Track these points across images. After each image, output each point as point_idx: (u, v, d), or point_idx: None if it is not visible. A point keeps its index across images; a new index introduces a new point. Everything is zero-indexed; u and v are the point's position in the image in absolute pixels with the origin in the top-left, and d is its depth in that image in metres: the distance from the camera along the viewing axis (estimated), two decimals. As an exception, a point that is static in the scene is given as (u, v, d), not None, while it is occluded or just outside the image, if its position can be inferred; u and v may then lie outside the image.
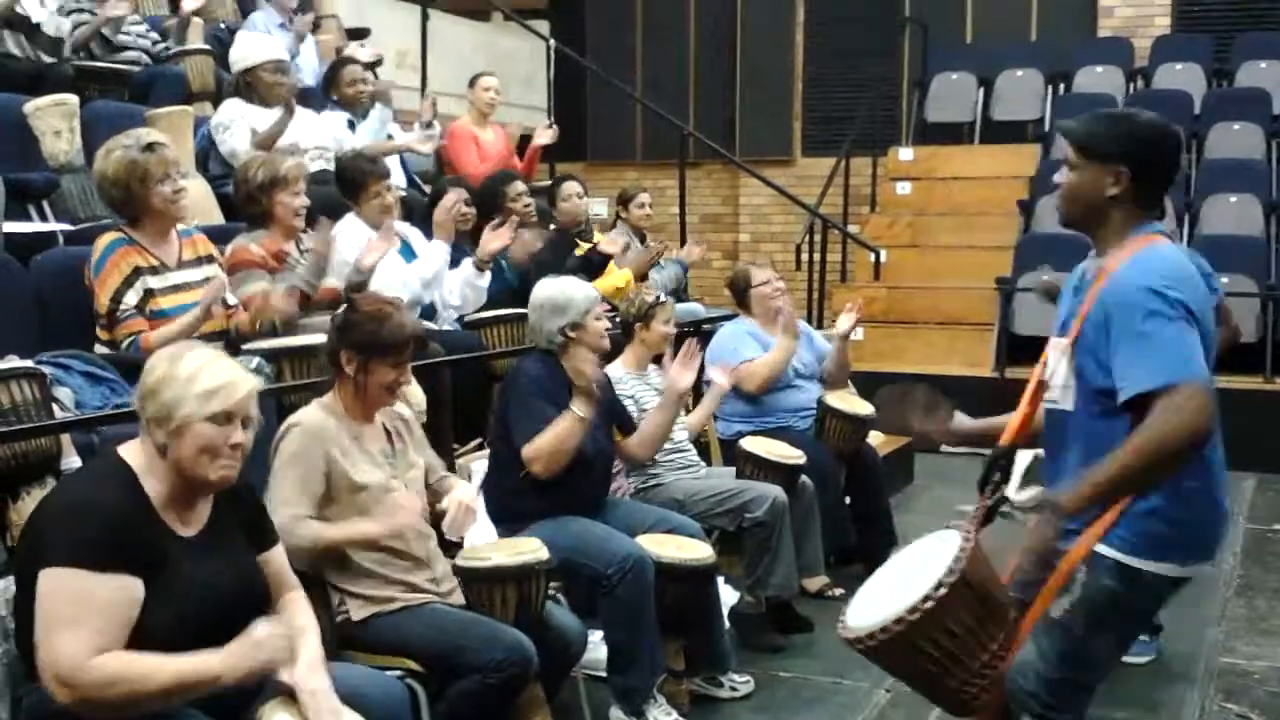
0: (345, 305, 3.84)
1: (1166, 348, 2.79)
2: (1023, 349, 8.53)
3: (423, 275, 5.59)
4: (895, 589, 2.98)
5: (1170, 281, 2.84)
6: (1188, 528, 2.93)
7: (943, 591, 2.84)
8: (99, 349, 4.38)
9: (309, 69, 8.07)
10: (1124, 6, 11.81)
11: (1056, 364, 3.03)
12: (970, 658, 2.93)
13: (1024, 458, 3.17)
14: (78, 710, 2.56)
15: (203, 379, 2.75)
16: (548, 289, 4.66)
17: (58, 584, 2.58)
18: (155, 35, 7.24)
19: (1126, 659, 4.54)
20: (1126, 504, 2.87)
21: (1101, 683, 3.08)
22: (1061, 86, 11.51)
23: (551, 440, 4.25)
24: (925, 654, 2.93)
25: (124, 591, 2.63)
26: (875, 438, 6.50)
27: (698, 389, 5.79)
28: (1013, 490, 3.07)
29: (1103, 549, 2.90)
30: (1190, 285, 2.89)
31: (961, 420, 3.39)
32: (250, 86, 6.58)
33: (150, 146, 4.44)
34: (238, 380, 2.80)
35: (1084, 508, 2.83)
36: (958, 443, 3.45)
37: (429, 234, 5.98)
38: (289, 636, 2.84)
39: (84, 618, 2.56)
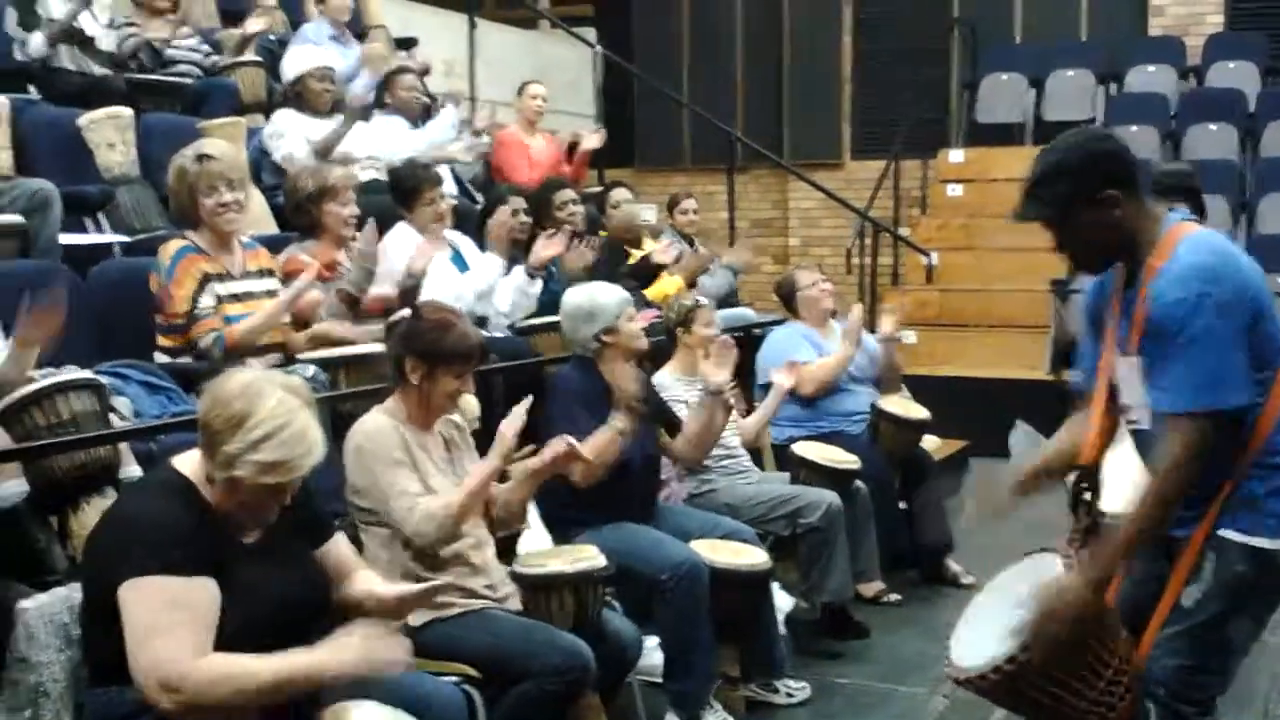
0: (409, 314, 3.86)
1: (1191, 369, 2.78)
2: (1077, 351, 8.43)
3: (476, 288, 5.60)
4: (1000, 621, 2.94)
5: (1210, 281, 2.80)
6: None
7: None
8: (158, 357, 4.43)
9: (359, 80, 8.09)
10: (1175, 5, 11.66)
11: (1128, 383, 2.98)
12: (1088, 685, 2.91)
13: (1110, 466, 3.13)
14: (184, 715, 2.57)
15: (268, 448, 2.66)
16: (577, 296, 4.67)
17: (146, 593, 2.59)
18: (206, 48, 7.29)
19: None
20: (1242, 488, 2.85)
21: (1235, 670, 3.02)
22: (1113, 86, 11.40)
23: (588, 453, 4.23)
24: (1042, 689, 2.91)
25: (209, 593, 2.65)
26: (930, 442, 6.46)
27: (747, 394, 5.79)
28: (1106, 504, 3.04)
29: (1230, 534, 2.87)
30: (1233, 272, 2.84)
31: (1026, 468, 3.31)
32: (300, 96, 6.63)
33: (201, 158, 4.50)
34: (303, 456, 2.70)
35: (1115, 567, 2.89)
36: (1036, 487, 3.36)
37: (480, 243, 6.01)
38: (393, 638, 2.83)
39: (180, 622, 2.58)
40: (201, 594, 2.64)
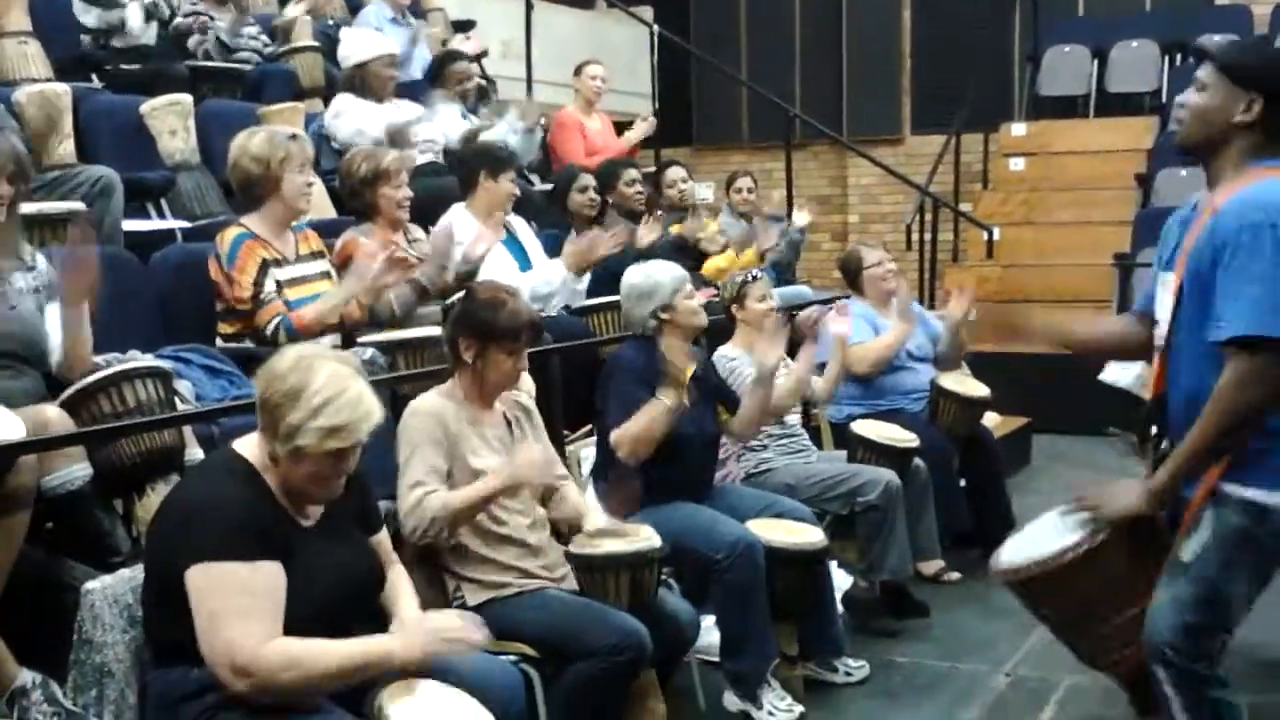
0: (462, 294, 3.89)
1: (1264, 292, 2.77)
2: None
3: (535, 289, 5.58)
4: (1052, 534, 3.02)
5: (1275, 211, 2.80)
6: None
7: (1101, 536, 2.90)
8: (220, 343, 4.49)
9: (418, 63, 8.14)
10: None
11: (1163, 299, 3.00)
12: (1117, 611, 2.97)
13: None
14: (255, 697, 2.61)
15: (329, 412, 2.72)
16: (634, 275, 4.67)
17: (214, 579, 2.64)
18: (265, 38, 7.35)
19: None
20: (1246, 441, 2.86)
21: (1236, 626, 3.01)
22: (1178, 57, 11.22)
23: (637, 427, 4.23)
24: (1073, 598, 2.97)
25: (276, 577, 2.70)
26: (991, 419, 6.41)
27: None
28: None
29: (1229, 487, 2.89)
30: None
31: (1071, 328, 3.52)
32: (363, 81, 6.67)
33: (295, 136, 4.65)
34: (363, 419, 2.77)
35: (1173, 487, 2.92)
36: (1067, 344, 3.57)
37: (535, 225, 6.03)
38: (463, 627, 2.89)
39: (250, 606, 2.63)
40: (269, 578, 2.69)
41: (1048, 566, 2.99)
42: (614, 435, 4.27)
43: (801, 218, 7.69)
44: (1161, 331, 3.04)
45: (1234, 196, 2.87)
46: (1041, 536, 3.11)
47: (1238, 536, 2.89)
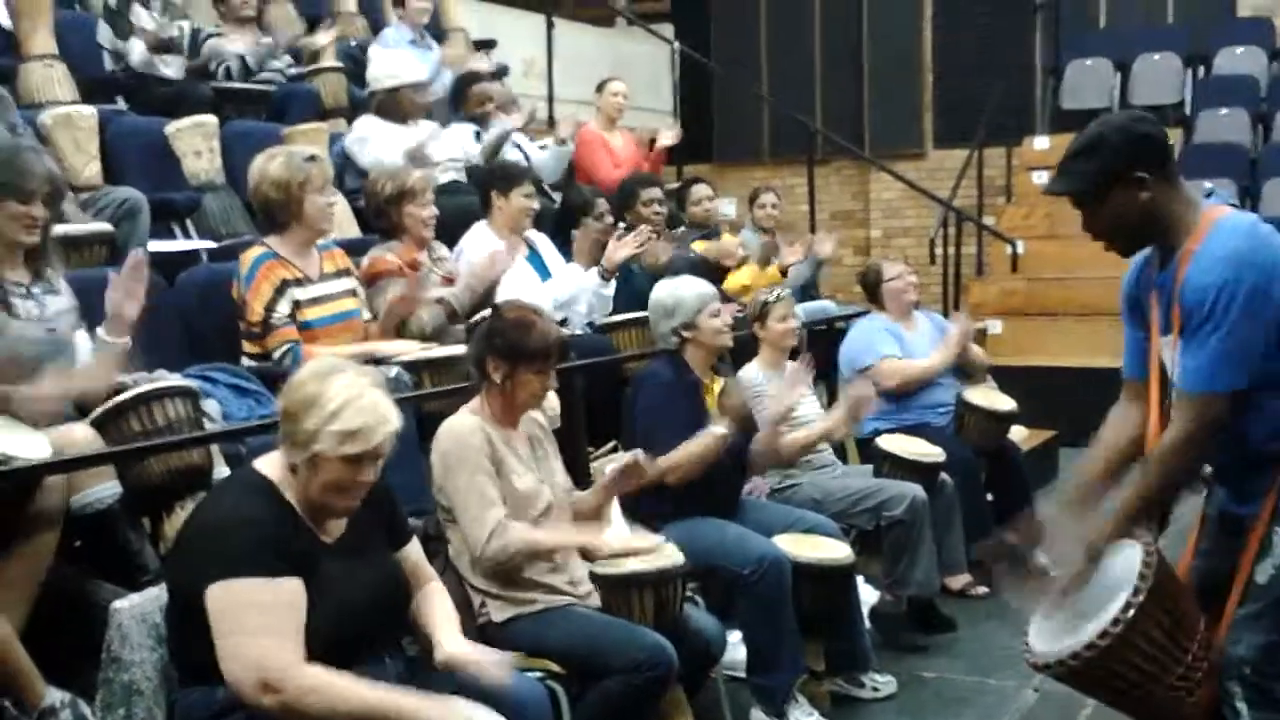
0: (490, 313, 3.90)
1: (1208, 351, 2.81)
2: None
3: (557, 296, 5.60)
4: (1079, 606, 2.95)
5: (1239, 267, 2.79)
6: None
7: (1132, 613, 2.82)
8: (245, 362, 4.50)
9: (439, 83, 8.17)
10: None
11: (1171, 362, 2.98)
12: (1167, 671, 2.90)
13: None
14: (280, 715, 2.61)
15: (345, 417, 2.74)
16: (659, 291, 4.70)
17: (235, 596, 2.64)
18: (289, 58, 7.38)
19: None
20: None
21: None
22: (1201, 69, 11.19)
23: (688, 457, 4.27)
24: (1121, 675, 2.90)
25: (297, 595, 2.70)
26: (1018, 432, 6.39)
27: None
28: None
29: None
30: (1266, 256, 2.83)
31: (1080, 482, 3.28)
32: (392, 105, 6.69)
33: (313, 158, 4.65)
34: (379, 424, 2.78)
35: (1119, 533, 2.93)
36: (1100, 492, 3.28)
37: (558, 243, 6.03)
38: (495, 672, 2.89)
39: (278, 624, 2.64)
40: (289, 594, 2.69)
41: (1090, 651, 2.87)
42: (663, 463, 4.26)
43: (824, 247, 7.70)
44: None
45: (1202, 246, 2.86)
46: (1069, 612, 2.99)
47: None
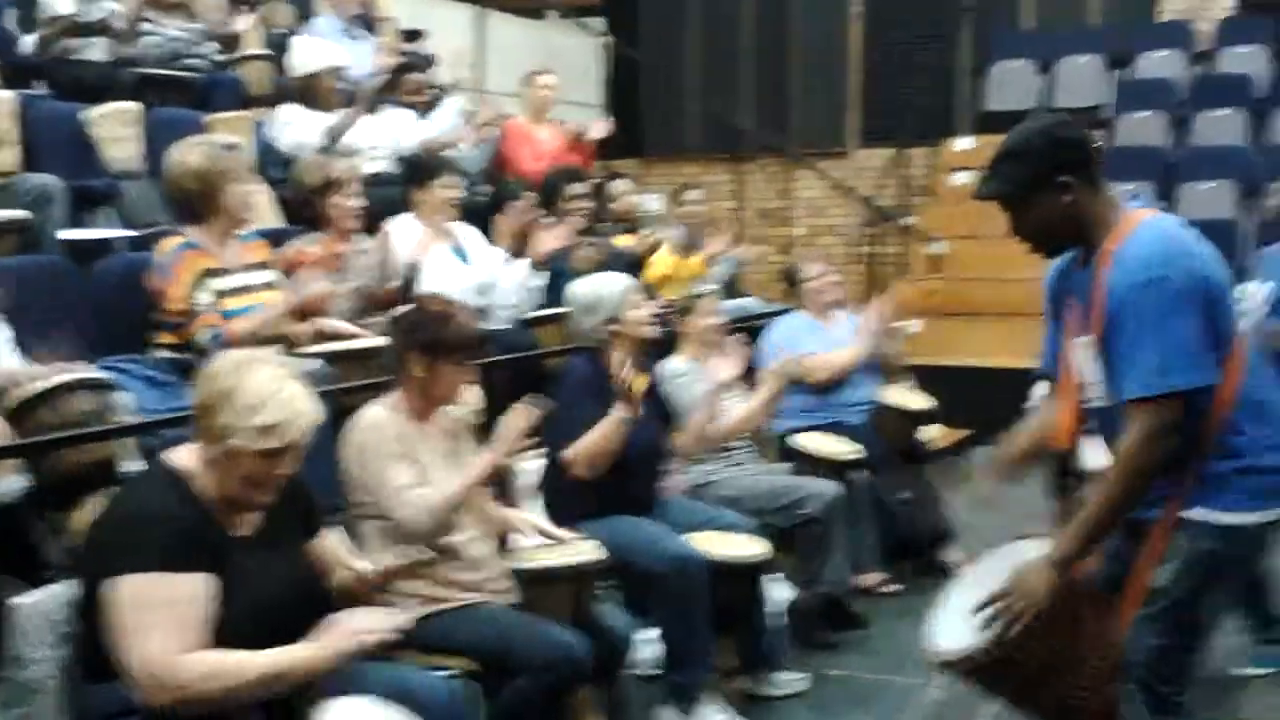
0: (410, 306, 3.90)
1: (1153, 351, 2.82)
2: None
3: (478, 280, 5.61)
4: (978, 609, 2.98)
5: (1162, 265, 2.85)
6: (1264, 476, 2.93)
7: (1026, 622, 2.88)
8: (160, 353, 4.46)
9: (367, 70, 8.12)
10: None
11: (1084, 363, 3.03)
12: (1068, 672, 2.96)
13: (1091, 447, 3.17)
14: (178, 709, 2.60)
15: (263, 411, 2.72)
16: (582, 287, 4.71)
17: (137, 590, 2.62)
18: (215, 45, 7.30)
19: (1249, 670, 4.61)
20: (1207, 467, 2.89)
21: (1207, 648, 3.07)
22: (1124, 72, 11.36)
23: (592, 443, 4.29)
24: (1021, 676, 2.96)
25: (199, 588, 2.68)
26: (932, 431, 6.47)
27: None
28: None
29: (1197, 512, 2.91)
30: (1184, 255, 2.89)
31: (1007, 452, 3.39)
32: (310, 92, 6.66)
33: (231, 146, 4.63)
34: (297, 419, 2.76)
35: (1081, 552, 2.93)
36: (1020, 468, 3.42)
37: (486, 233, 6.04)
38: (383, 625, 2.88)
39: (170, 619, 2.61)
40: (192, 588, 2.67)
41: (993, 650, 2.94)
42: (567, 453, 4.30)
43: (743, 252, 7.75)
44: (1091, 395, 3.06)
45: (1121, 247, 2.92)
46: (968, 615, 3.03)
47: (1208, 560, 2.92)
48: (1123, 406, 2.89)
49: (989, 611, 2.95)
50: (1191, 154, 10.27)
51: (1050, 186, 2.97)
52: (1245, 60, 10.90)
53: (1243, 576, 3.10)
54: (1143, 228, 2.93)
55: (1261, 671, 4.73)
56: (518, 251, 6.04)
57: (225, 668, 2.64)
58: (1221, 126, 10.38)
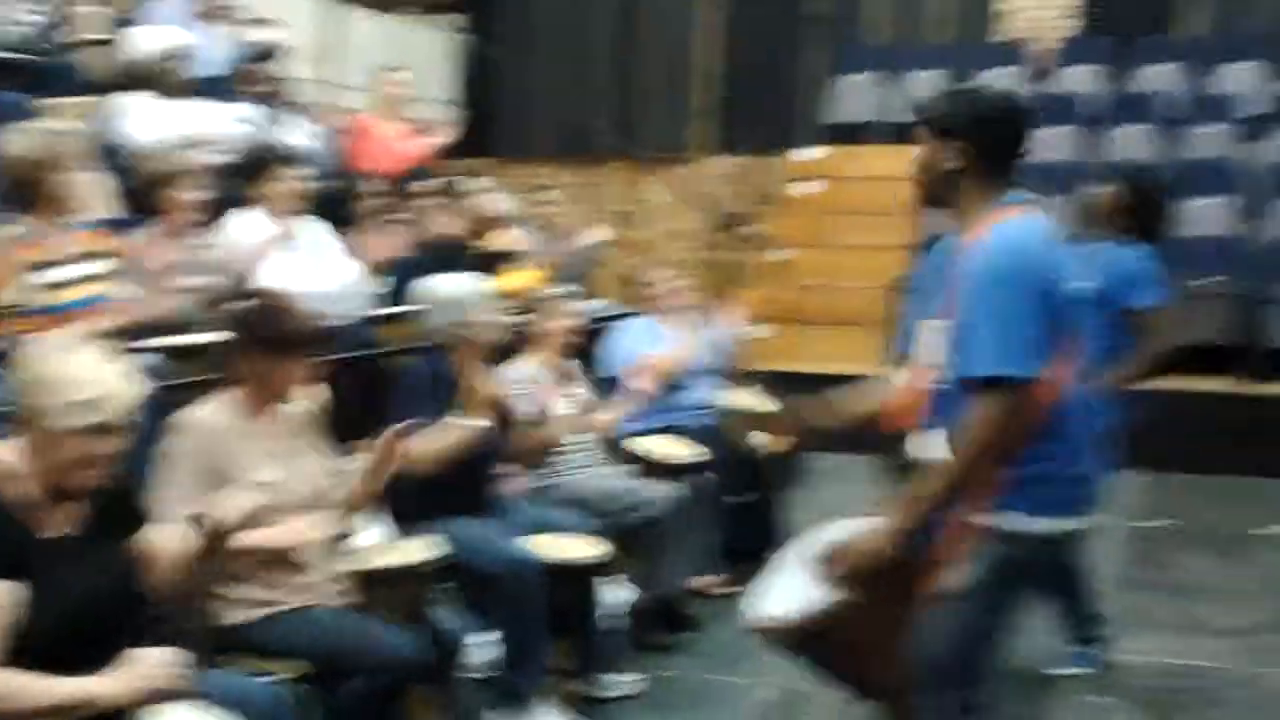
0: (247, 299, 3.85)
1: (996, 332, 2.89)
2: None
3: (327, 289, 5.52)
4: (805, 578, 3.05)
5: (1014, 261, 2.93)
6: (1064, 484, 3.02)
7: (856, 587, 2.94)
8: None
9: (213, 59, 7.98)
10: (1027, 9, 12.01)
11: (935, 345, 3.09)
12: (883, 648, 3.02)
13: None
14: None
15: (77, 388, 2.64)
16: (433, 285, 4.69)
17: None
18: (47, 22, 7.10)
19: (1064, 670, 4.78)
20: (1002, 474, 2.95)
21: (999, 650, 3.14)
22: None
23: (440, 447, 4.29)
24: (848, 643, 3.02)
25: (1, 597, 2.59)
26: (767, 437, 6.56)
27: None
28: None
29: (992, 517, 2.97)
30: (1023, 250, 2.97)
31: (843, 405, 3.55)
32: (151, 77, 6.51)
33: (63, 132, 4.49)
34: (116, 392, 2.68)
35: (921, 519, 2.98)
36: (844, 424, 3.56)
37: (331, 226, 5.97)
38: (180, 666, 2.78)
39: None
40: None
41: (809, 621, 3.02)
42: (411, 449, 4.25)
43: (598, 233, 7.78)
44: (939, 375, 3.11)
45: (981, 239, 3.00)
46: (795, 584, 3.11)
47: (1002, 564, 2.99)
48: (963, 391, 2.94)
49: (824, 570, 3.01)
50: (1025, 169, 10.56)
51: (952, 139, 3.06)
52: (1082, 80, 11.31)
53: (1032, 585, 3.20)
54: (1007, 224, 3.00)
55: (1077, 672, 4.91)
56: (358, 250, 5.98)
57: (10, 693, 2.55)
58: (1055, 143, 10.74)
